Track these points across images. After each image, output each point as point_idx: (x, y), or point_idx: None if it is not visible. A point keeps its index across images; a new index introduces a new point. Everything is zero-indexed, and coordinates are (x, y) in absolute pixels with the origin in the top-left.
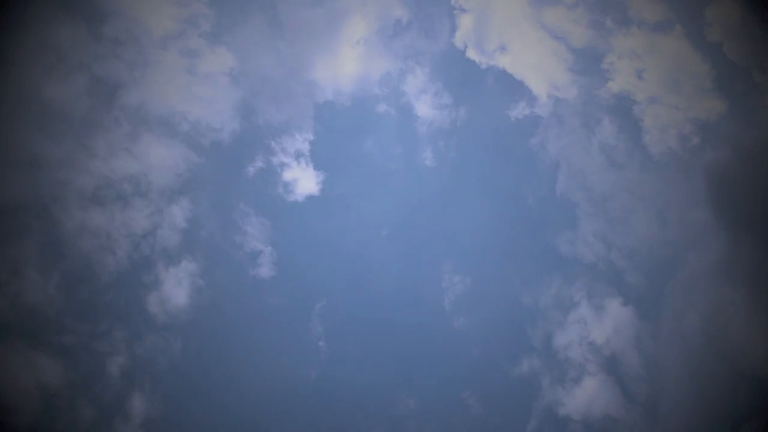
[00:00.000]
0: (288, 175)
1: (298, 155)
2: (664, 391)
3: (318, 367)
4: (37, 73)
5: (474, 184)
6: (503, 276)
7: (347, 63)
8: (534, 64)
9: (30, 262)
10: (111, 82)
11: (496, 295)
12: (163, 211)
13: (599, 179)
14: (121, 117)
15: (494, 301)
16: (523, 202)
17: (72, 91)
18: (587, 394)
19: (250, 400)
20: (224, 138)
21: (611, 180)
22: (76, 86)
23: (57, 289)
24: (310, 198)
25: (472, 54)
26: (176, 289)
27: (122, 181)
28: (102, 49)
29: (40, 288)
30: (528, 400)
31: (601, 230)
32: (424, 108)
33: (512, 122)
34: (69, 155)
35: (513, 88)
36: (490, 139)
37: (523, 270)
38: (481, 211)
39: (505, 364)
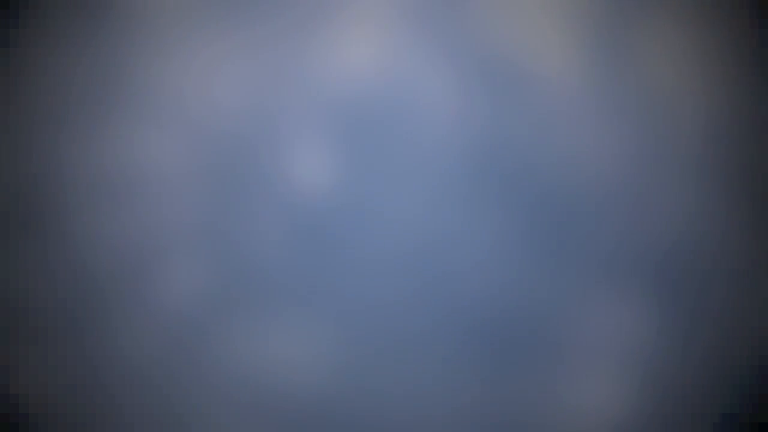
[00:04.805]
0: (301, 172)
1: (312, 151)
2: (683, 390)
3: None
4: (36, 62)
5: (498, 184)
6: (520, 274)
7: (365, 54)
8: (552, 52)
9: (30, 258)
10: (113, 71)
11: (512, 293)
12: (168, 206)
13: (619, 171)
14: (124, 107)
15: (509, 301)
16: (546, 198)
17: (73, 80)
18: (604, 393)
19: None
20: (232, 130)
21: (631, 172)
22: (78, 76)
23: (57, 286)
24: (324, 198)
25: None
26: (182, 286)
27: (125, 174)
28: (104, 37)
29: (40, 285)
30: (544, 400)
31: (620, 224)
32: (446, 101)
33: (531, 112)
34: (69, 146)
35: (530, 76)
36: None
37: (544, 268)
38: (499, 215)
39: (518, 363)
